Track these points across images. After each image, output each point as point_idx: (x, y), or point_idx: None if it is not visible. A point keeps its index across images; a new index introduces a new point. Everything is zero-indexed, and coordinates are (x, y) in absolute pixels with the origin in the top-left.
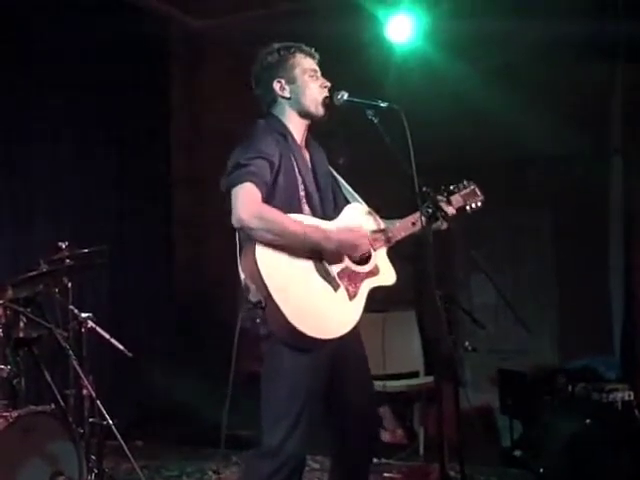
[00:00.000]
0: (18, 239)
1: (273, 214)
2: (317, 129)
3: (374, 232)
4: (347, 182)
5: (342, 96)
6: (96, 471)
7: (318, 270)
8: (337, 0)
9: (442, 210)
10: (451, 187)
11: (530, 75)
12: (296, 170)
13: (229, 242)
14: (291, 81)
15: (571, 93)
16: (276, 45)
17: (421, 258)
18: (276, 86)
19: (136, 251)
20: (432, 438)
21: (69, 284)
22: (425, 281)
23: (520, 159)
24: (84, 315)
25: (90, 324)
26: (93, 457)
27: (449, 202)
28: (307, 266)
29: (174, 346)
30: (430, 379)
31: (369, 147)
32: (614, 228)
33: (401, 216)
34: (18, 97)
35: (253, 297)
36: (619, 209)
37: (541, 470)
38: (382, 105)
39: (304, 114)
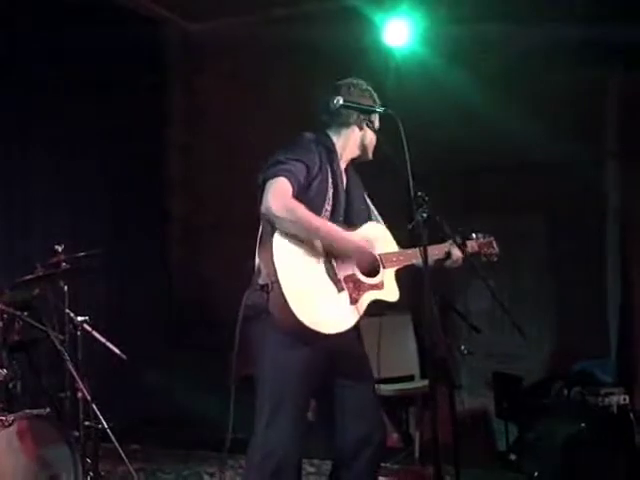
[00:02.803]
0: (13, 241)
1: (300, 208)
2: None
3: (391, 253)
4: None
5: (337, 101)
6: (92, 474)
7: (327, 270)
8: (335, 5)
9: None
10: (472, 234)
11: (527, 80)
12: (330, 185)
13: (225, 244)
14: (371, 122)
15: (567, 97)
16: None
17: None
18: (362, 117)
19: (132, 253)
20: (428, 442)
21: (65, 287)
22: (421, 285)
23: (517, 163)
24: (80, 319)
25: (86, 327)
26: (89, 460)
27: (463, 245)
28: (318, 263)
29: (170, 349)
30: (426, 383)
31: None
32: (610, 231)
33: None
34: (16, 99)
35: (262, 280)
36: (615, 212)
37: (536, 474)
38: (377, 110)
39: (361, 150)
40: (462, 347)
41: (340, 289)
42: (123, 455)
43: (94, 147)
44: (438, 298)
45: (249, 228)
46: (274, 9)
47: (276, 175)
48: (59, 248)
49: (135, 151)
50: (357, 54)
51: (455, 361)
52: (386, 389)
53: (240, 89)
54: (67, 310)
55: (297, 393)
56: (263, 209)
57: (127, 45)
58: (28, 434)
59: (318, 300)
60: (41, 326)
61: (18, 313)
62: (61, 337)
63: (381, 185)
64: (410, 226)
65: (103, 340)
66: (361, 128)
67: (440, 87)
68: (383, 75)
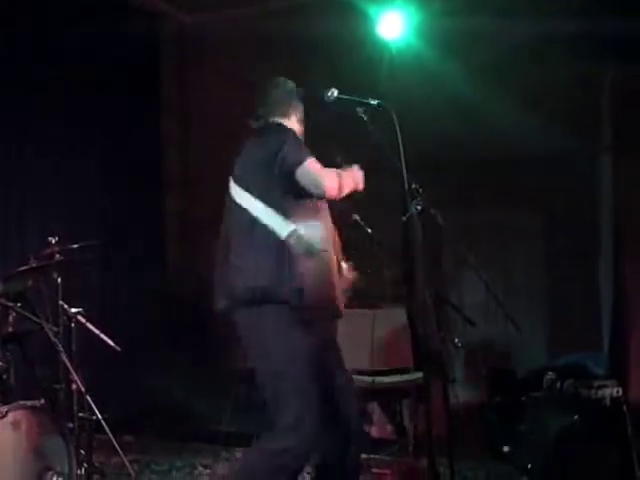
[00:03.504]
0: (10, 240)
1: (337, 175)
2: (315, 129)
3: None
4: None
5: (332, 93)
6: (86, 465)
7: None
8: None
9: None
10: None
11: (521, 73)
12: None
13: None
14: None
15: (561, 91)
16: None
17: (410, 255)
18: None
19: (130, 250)
20: (422, 434)
21: (59, 279)
22: (415, 278)
23: (510, 156)
24: (74, 310)
25: (80, 319)
26: (83, 452)
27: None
28: (330, 250)
29: (165, 342)
30: (420, 375)
31: (367, 146)
32: (604, 226)
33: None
34: (14, 97)
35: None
36: (609, 207)
37: (529, 466)
38: (372, 102)
39: None
40: (456, 340)
41: (340, 275)
42: (117, 447)
43: (92, 145)
44: (432, 291)
45: None
46: (271, 1)
47: (301, 160)
48: (52, 240)
49: (133, 148)
50: (351, 46)
51: (449, 354)
52: (380, 381)
53: (239, 83)
54: (61, 302)
55: (321, 382)
56: (323, 194)
57: (126, 42)
58: (22, 425)
59: (336, 280)
60: (35, 318)
61: (11, 304)
62: (55, 329)
63: (380, 181)
64: (404, 218)
65: (97, 332)
66: (297, 120)
67: (434, 80)
68: (377, 67)
